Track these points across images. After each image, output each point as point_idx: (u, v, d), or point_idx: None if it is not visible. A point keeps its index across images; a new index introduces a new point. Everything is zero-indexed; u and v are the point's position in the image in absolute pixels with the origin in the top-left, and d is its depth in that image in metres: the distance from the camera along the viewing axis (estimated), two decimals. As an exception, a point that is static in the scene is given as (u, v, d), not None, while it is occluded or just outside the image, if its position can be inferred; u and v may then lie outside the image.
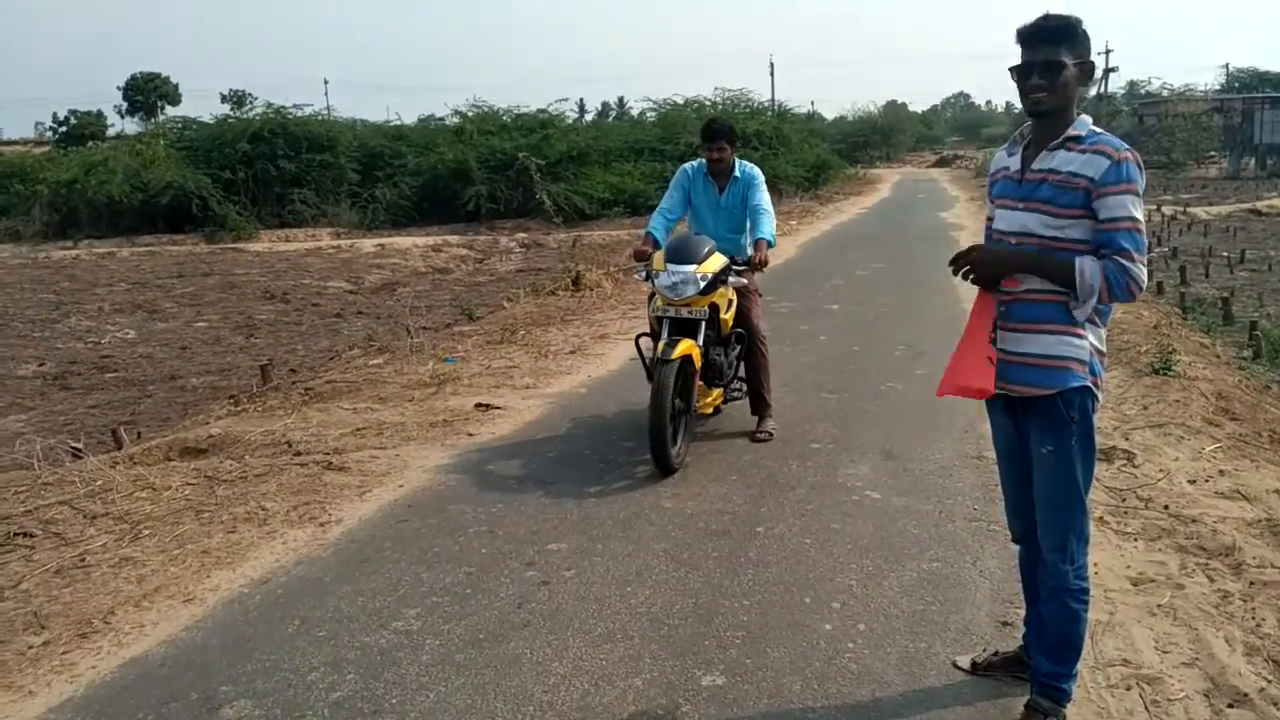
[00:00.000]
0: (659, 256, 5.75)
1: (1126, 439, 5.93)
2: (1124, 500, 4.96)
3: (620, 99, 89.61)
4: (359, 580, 4.17)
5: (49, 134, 68.73)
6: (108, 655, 3.63)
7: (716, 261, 5.71)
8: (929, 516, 4.74)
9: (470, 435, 6.33)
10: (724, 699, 3.21)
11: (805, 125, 45.27)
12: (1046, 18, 2.77)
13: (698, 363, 5.59)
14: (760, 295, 6.48)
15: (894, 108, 75.58)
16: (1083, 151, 2.78)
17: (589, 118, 69.66)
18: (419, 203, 28.16)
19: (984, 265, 2.90)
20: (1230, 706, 3.14)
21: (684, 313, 5.62)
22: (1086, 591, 2.99)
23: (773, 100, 47.43)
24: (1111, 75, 61.53)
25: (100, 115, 73.80)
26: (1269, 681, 3.26)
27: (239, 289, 17.21)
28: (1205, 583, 4.05)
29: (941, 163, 60.57)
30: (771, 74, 70.69)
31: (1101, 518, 4.71)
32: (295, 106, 30.32)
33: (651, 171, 28.09)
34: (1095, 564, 4.17)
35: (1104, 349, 2.95)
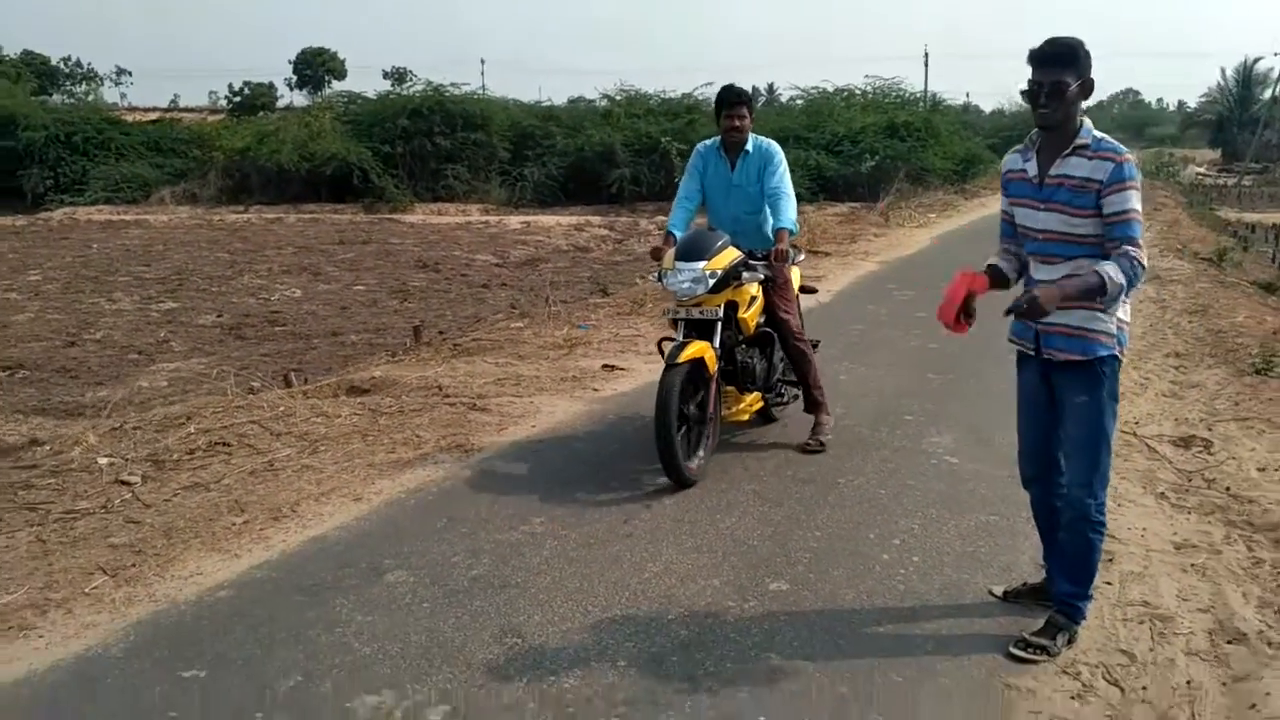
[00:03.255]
0: (669, 255, 5.37)
1: (1210, 430, 6.26)
2: (1189, 480, 5.35)
3: (770, 85, 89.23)
4: (495, 493, 5.00)
5: (223, 103, 72.93)
6: (294, 533, 4.53)
7: (727, 256, 5.34)
8: (999, 481, 5.24)
9: (595, 390, 7.11)
10: (786, 599, 3.87)
11: (958, 117, 44.57)
12: (1053, 43, 3.31)
13: (713, 366, 5.21)
14: (804, 291, 6.27)
15: (1054, 103, 73.08)
16: (1090, 157, 3.32)
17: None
18: (565, 183, 29.17)
19: (1044, 312, 3.29)
20: (1229, 643, 3.61)
21: (695, 313, 5.30)
22: (1103, 524, 3.54)
23: (925, 91, 46.90)
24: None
25: (271, 87, 77.89)
26: (1269, 627, 3.71)
27: (394, 257, 18.44)
28: (1244, 551, 4.46)
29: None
30: (925, 64, 69.99)
31: (1163, 494, 5.14)
32: (453, 85, 31.51)
33: (796, 160, 28.37)
34: (1144, 529, 4.66)
35: (1128, 319, 3.48)
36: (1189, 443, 5.97)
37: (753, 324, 5.65)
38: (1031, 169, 3.48)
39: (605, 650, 3.47)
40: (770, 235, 5.64)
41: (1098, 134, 3.36)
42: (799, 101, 36.13)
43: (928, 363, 8.09)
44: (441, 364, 7.92)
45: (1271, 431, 6.21)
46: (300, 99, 72.41)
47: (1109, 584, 4.03)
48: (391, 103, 31.18)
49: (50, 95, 47.05)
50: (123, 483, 5.08)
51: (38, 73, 57.41)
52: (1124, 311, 3.45)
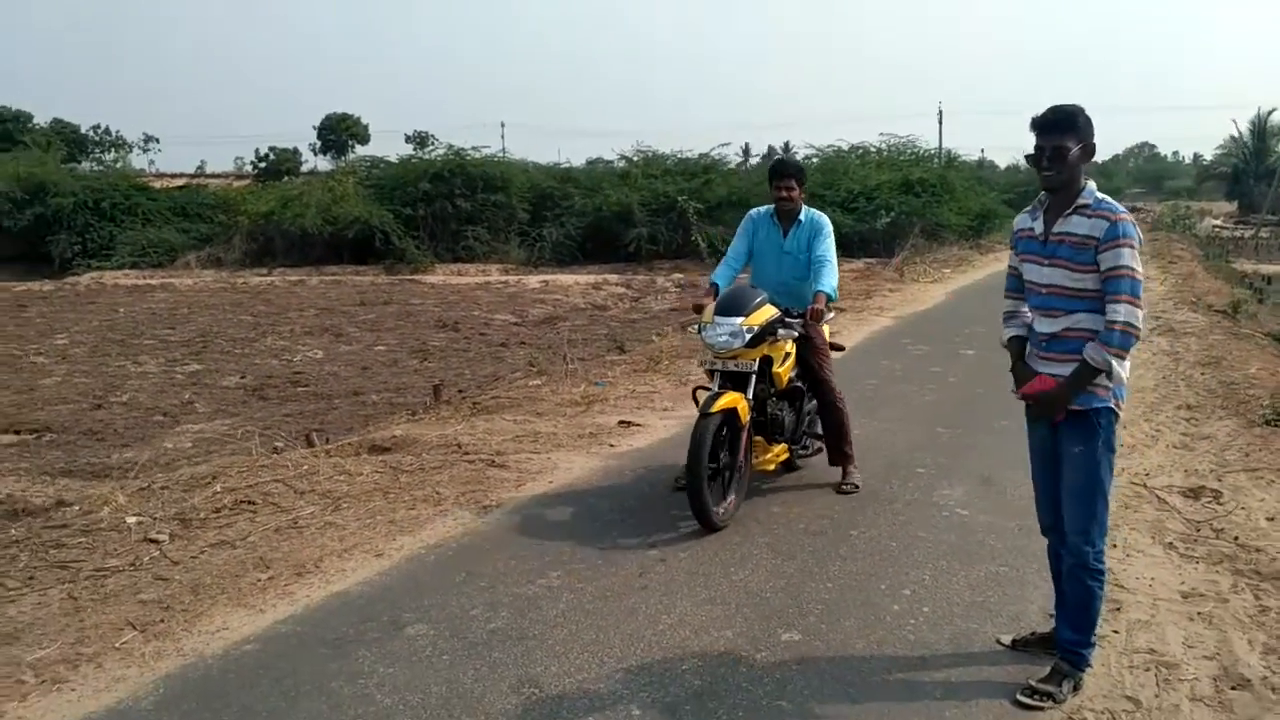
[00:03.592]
0: (709, 309, 5.68)
1: (1219, 480, 6.31)
2: (1198, 530, 5.41)
3: (785, 144, 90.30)
4: (513, 548, 5.10)
5: (249, 168, 74.24)
6: (318, 588, 4.65)
7: (765, 313, 5.62)
8: (1009, 532, 5.33)
9: (612, 446, 7.23)
10: (797, 650, 3.96)
11: (973, 173, 44.98)
12: (1054, 110, 3.50)
13: (744, 416, 5.46)
14: (834, 349, 6.42)
15: (1069, 157, 73.56)
16: (1089, 216, 3.50)
17: (754, 162, 70.74)
18: (583, 242, 29.58)
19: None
20: (1233, 689, 3.67)
21: (730, 366, 5.58)
22: (1103, 573, 3.64)
23: (939, 147, 47.39)
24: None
25: (296, 152, 79.23)
26: (1273, 673, 3.77)
27: (414, 317, 18.73)
28: (1250, 599, 4.51)
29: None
30: (940, 121, 70.60)
31: (1171, 544, 5.20)
32: (473, 148, 32.10)
33: (808, 217, 28.68)
34: (1151, 579, 4.72)
35: (1126, 377, 3.60)
36: (1198, 493, 6.03)
37: (785, 379, 5.91)
38: (1038, 227, 3.67)
39: (620, 699, 3.56)
40: (809, 298, 5.89)
41: (1100, 195, 3.54)
42: (814, 160, 36.58)
43: (940, 417, 8.19)
44: (461, 422, 8.07)
45: (1282, 482, 6.27)
46: (324, 164, 73.65)
47: (1116, 632, 4.10)
48: (413, 166, 31.78)
49: (80, 163, 48.06)
50: (151, 541, 5.22)
51: (67, 141, 58.64)
52: (1122, 368, 3.57)
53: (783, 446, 6.06)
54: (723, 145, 33.06)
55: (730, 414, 5.37)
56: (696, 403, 5.56)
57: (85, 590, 4.60)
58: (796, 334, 5.86)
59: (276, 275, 27.51)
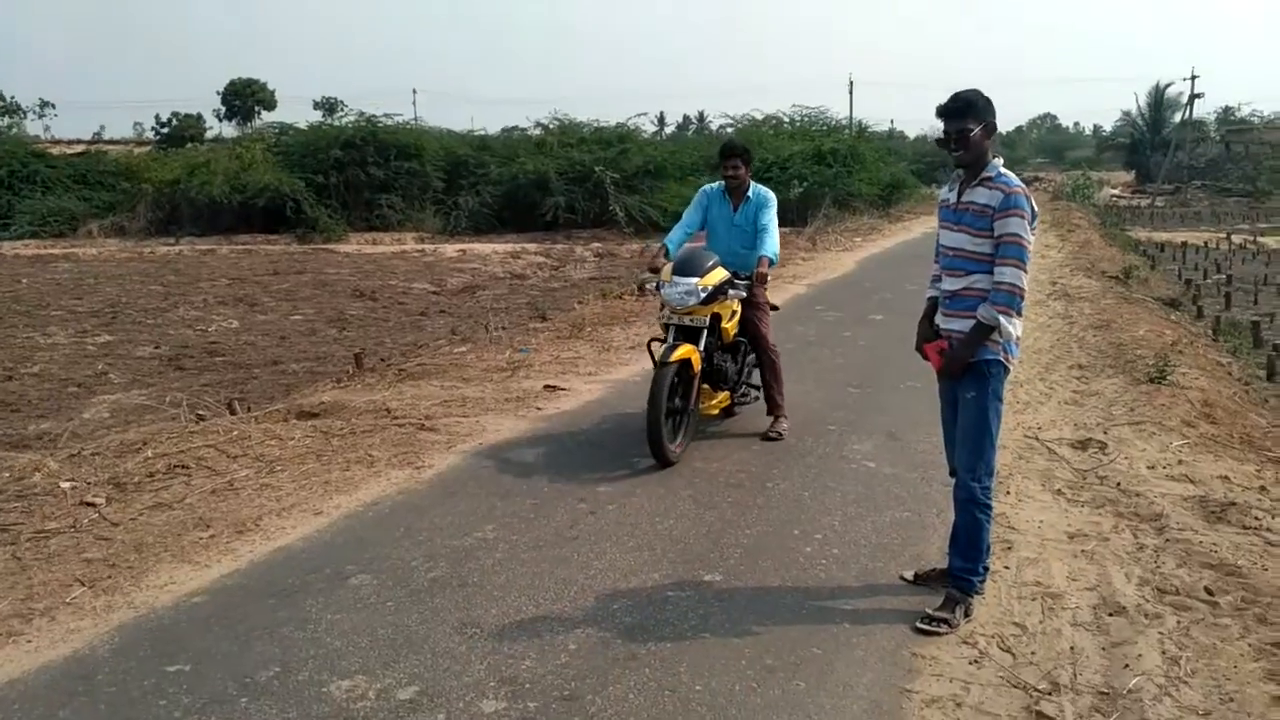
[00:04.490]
0: (667, 269, 6.28)
1: (1105, 433, 6.81)
2: (1084, 478, 5.87)
3: (700, 114, 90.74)
4: (448, 505, 5.33)
5: (150, 134, 71.95)
6: (260, 545, 4.82)
7: (718, 275, 6.22)
8: (912, 482, 5.73)
9: (539, 409, 7.47)
10: (719, 588, 4.28)
11: (883, 144, 45.93)
12: (955, 98, 3.89)
13: (697, 366, 6.09)
14: (771, 308, 7.01)
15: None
16: (990, 188, 3.87)
17: (669, 131, 70.97)
18: (500, 211, 29.56)
19: (954, 370, 4.03)
20: (1110, 615, 4.09)
21: (686, 320, 6.15)
22: (989, 507, 4.05)
23: (850, 118, 48.21)
24: (1198, 101, 61.14)
25: (199, 118, 77.19)
26: (1146, 601, 4.21)
27: (330, 287, 18.60)
28: (1130, 539, 4.96)
29: (1019, 185, 60.37)
30: (850, 92, 71.38)
31: (1059, 490, 5.65)
32: (385, 115, 31.87)
33: (722, 188, 29.05)
34: (1040, 521, 5.15)
35: (1018, 334, 3.98)
36: (1086, 445, 6.51)
37: (731, 334, 6.52)
38: (952, 197, 4.07)
39: (557, 636, 3.84)
40: (754, 263, 6.51)
41: (1002, 170, 3.92)
42: (729, 130, 37.01)
43: (850, 378, 8.60)
44: (388, 389, 8.21)
45: (1161, 433, 6.79)
46: (230, 130, 71.89)
47: (1006, 568, 4.51)
48: (324, 133, 31.38)
49: (-30, 128, 46.18)
50: (88, 504, 5.31)
51: (-44, 106, 56.20)
52: (1013, 327, 3.94)
53: (725, 394, 6.67)
54: (639, 115, 33.24)
55: (684, 364, 5.98)
56: (652, 355, 6.15)
57: (28, 551, 4.69)
58: (744, 295, 6.48)
59: (185, 244, 26.97)
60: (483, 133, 38.94)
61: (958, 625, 3.93)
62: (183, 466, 6.00)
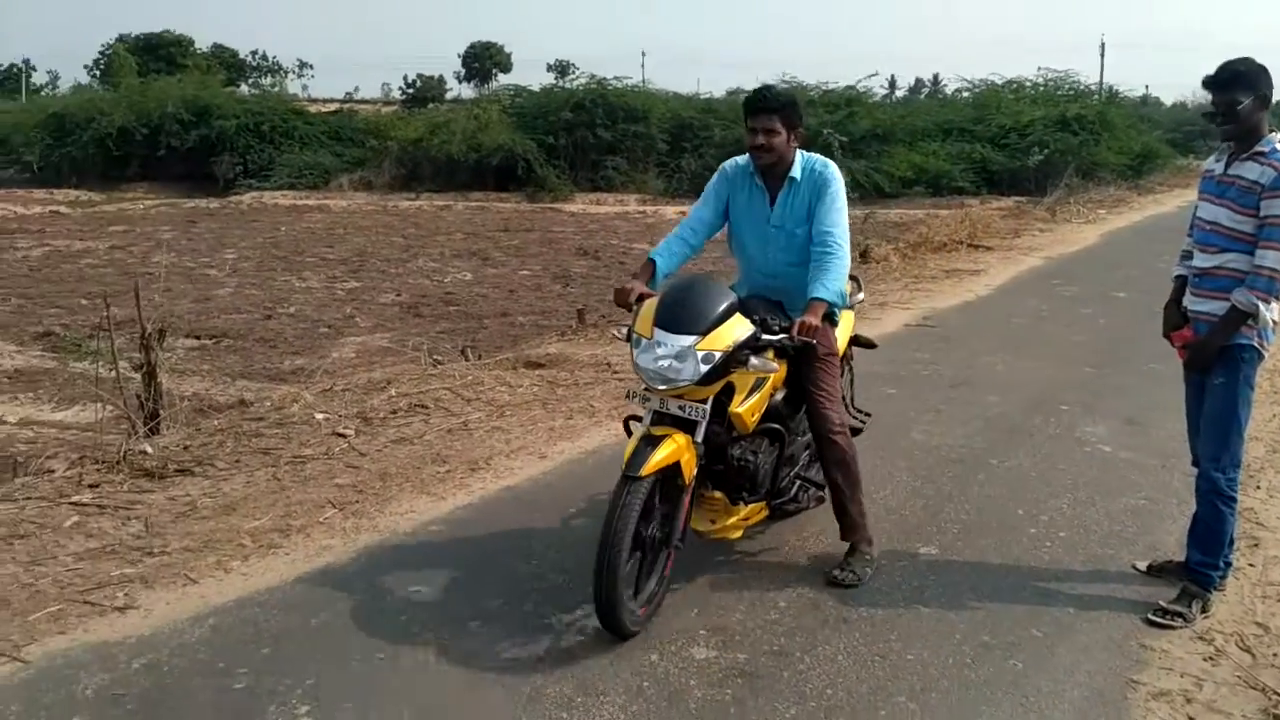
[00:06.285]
0: (644, 313, 3.73)
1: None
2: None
3: (935, 76, 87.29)
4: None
5: (396, 95, 76.13)
6: (490, 483, 5.12)
7: (731, 329, 3.63)
8: (1151, 469, 5.41)
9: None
10: (935, 561, 4.21)
11: (1135, 110, 42.93)
12: (1223, 68, 3.63)
13: (689, 474, 3.61)
14: (866, 345, 4.84)
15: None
16: (1262, 163, 3.60)
17: (900, 94, 68.83)
18: (721, 174, 29.50)
19: (1203, 361, 3.79)
20: (1367, 627, 3.76)
21: (672, 407, 3.64)
22: (1234, 499, 3.79)
23: (1100, 83, 45.17)
24: None
25: (441, 80, 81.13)
26: None
27: (556, 244, 19.18)
28: (1395, 544, 4.53)
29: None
30: (1101, 55, 66.85)
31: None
32: (615, 78, 32.37)
33: (959, 153, 27.91)
34: (1300, 520, 4.77)
35: (1275, 321, 3.70)
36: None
37: (751, 422, 3.82)
38: (1218, 169, 3.81)
39: (767, 593, 3.91)
40: (838, 290, 3.92)
41: (1279, 146, 3.61)
42: (965, 95, 35.46)
43: (1087, 357, 8.17)
44: (609, 344, 8.44)
45: None
46: (468, 92, 75.00)
47: (1252, 565, 4.21)
48: (555, 96, 32.20)
49: (239, 87, 50.27)
50: (339, 435, 5.77)
51: (226, 65, 61.35)
52: (1269, 311, 3.67)
53: (756, 506, 4.03)
54: (869, 76, 32.02)
55: (671, 469, 3.57)
56: (629, 434, 3.87)
57: (287, 474, 5.16)
58: (774, 368, 3.82)
59: (424, 200, 28.41)
60: (709, 95, 38.99)
61: (1193, 620, 3.71)
62: (422, 406, 6.40)
